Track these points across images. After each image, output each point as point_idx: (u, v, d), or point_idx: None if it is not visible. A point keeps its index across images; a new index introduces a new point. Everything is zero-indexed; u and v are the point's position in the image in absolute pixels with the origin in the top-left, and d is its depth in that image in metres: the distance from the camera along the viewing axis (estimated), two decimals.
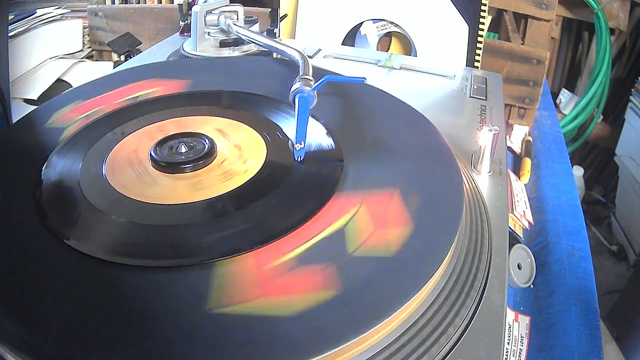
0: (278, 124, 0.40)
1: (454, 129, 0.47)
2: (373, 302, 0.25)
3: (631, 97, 1.13)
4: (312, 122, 0.39)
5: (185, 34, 0.68)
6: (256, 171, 0.35)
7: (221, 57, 0.57)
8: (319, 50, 0.64)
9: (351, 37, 0.72)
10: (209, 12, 0.58)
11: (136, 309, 0.25)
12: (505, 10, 0.90)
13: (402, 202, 0.32)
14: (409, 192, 0.32)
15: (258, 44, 0.56)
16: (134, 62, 0.62)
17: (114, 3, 0.95)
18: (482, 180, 0.41)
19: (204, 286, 0.26)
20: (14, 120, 0.66)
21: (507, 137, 0.73)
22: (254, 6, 0.78)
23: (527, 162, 0.66)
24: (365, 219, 0.30)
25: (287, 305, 0.25)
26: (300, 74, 0.42)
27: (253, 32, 0.57)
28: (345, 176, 0.34)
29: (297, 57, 0.47)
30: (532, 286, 0.48)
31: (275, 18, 0.63)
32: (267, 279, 0.26)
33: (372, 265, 0.27)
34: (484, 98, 0.55)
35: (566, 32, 1.30)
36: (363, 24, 0.70)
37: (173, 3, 0.93)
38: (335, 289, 0.25)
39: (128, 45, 0.68)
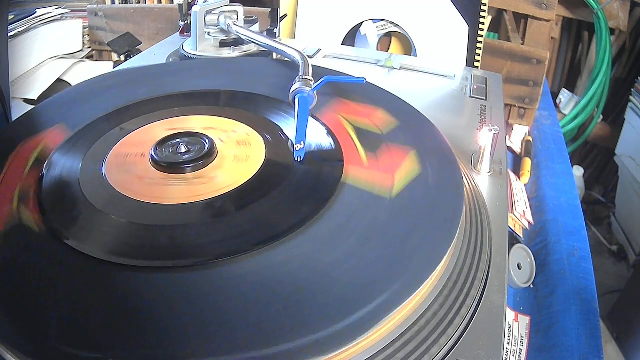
0: (278, 124, 0.40)
1: (454, 129, 0.47)
2: (373, 302, 0.25)
3: (631, 97, 1.13)
4: (312, 122, 0.39)
5: (185, 34, 0.68)
6: (256, 171, 0.35)
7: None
8: (319, 50, 0.64)
9: (351, 37, 0.72)
10: (209, 12, 0.58)
11: (136, 309, 0.25)
12: (505, 10, 0.90)
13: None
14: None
15: (258, 44, 0.56)
16: (134, 62, 0.62)
17: (114, 3, 0.95)
18: (482, 180, 0.41)
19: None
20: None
21: (507, 137, 0.73)
22: (254, 6, 0.78)
23: (527, 162, 0.66)
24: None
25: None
26: (300, 74, 0.42)
27: (253, 32, 0.57)
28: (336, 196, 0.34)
29: (297, 57, 0.47)
30: (532, 286, 0.48)
31: (275, 18, 0.63)
32: None
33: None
34: (484, 98, 0.55)
35: (566, 32, 1.30)
36: (363, 24, 0.70)
37: (173, 3, 0.93)
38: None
39: (128, 45, 0.68)
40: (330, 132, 0.38)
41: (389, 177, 0.34)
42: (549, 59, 0.92)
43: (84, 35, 0.92)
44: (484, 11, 0.64)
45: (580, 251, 0.52)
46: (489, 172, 0.42)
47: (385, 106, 0.42)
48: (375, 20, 0.69)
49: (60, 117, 0.42)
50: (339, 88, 0.44)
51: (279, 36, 0.65)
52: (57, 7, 0.93)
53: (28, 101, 0.76)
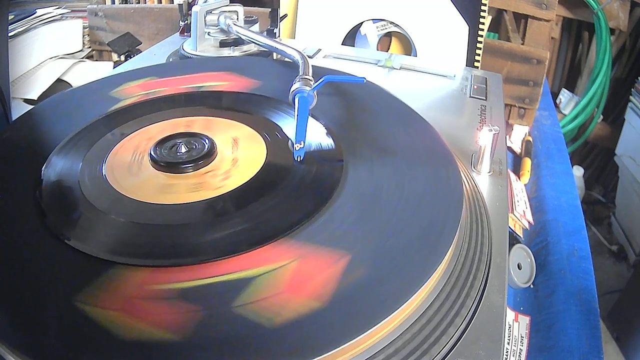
0: (278, 124, 0.40)
1: (454, 129, 0.47)
2: (373, 302, 0.25)
3: (631, 97, 1.13)
4: (311, 122, 0.39)
5: (185, 34, 0.68)
6: (256, 171, 0.35)
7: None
8: (319, 50, 0.64)
9: (351, 37, 0.72)
10: (209, 12, 0.58)
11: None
12: (505, 10, 0.90)
13: (342, 272, 0.27)
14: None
15: (258, 44, 0.56)
16: (134, 62, 0.62)
17: (114, 3, 0.95)
18: (482, 180, 0.41)
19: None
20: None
21: (507, 137, 0.73)
22: (254, 6, 0.78)
23: (527, 162, 0.66)
24: (285, 277, 0.26)
25: (126, 327, 0.24)
26: (300, 73, 0.42)
27: (253, 32, 0.57)
28: (347, 169, 0.34)
29: (297, 57, 0.47)
30: (532, 286, 0.48)
31: (275, 18, 0.63)
32: (135, 297, 0.25)
33: (242, 328, 0.24)
34: (484, 98, 0.55)
35: (566, 32, 1.30)
36: (363, 24, 0.70)
37: (173, 3, 0.93)
38: (180, 336, 0.23)
39: (128, 45, 0.68)
40: (329, 132, 0.38)
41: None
42: (549, 59, 0.92)
43: (84, 35, 0.92)
44: (484, 11, 0.64)
45: (580, 251, 0.52)
46: (489, 172, 0.42)
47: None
48: (375, 20, 0.69)
49: (61, 116, 0.42)
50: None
51: (279, 36, 0.65)
52: (57, 7, 0.93)
53: (28, 101, 0.76)
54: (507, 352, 0.41)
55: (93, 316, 0.24)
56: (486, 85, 0.58)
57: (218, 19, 0.58)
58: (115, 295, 0.25)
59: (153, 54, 0.63)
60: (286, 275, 0.27)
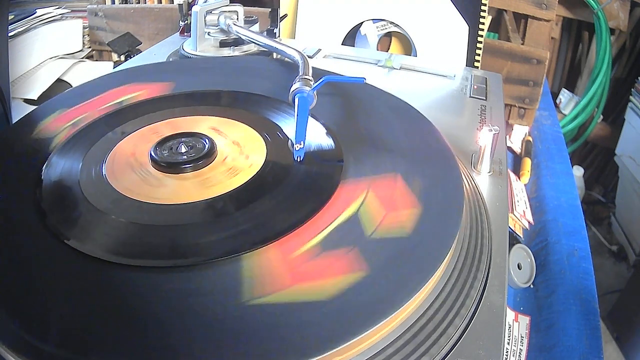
0: (278, 124, 0.40)
1: (454, 129, 0.47)
2: (373, 302, 0.25)
3: (631, 97, 1.13)
4: (311, 122, 0.39)
5: (185, 34, 0.68)
6: (256, 171, 0.35)
7: (210, 57, 0.57)
8: (319, 50, 0.64)
9: (351, 37, 0.72)
10: (209, 12, 0.58)
11: (136, 309, 0.25)
12: (505, 10, 0.90)
13: (406, 185, 0.33)
14: (410, 178, 0.34)
15: (258, 44, 0.56)
16: (134, 62, 0.62)
17: (114, 3, 0.95)
18: (482, 180, 0.41)
19: (234, 280, 0.26)
20: (14, 120, 0.66)
21: (507, 137, 0.73)
22: (254, 6, 0.78)
23: (527, 162, 0.66)
24: (376, 203, 0.31)
25: (320, 290, 0.26)
26: (300, 74, 0.42)
27: (253, 32, 0.57)
28: (347, 169, 0.35)
29: (297, 57, 0.47)
30: (532, 286, 0.48)
31: (275, 18, 0.63)
32: (295, 267, 0.27)
33: (392, 247, 0.28)
34: (484, 98, 0.55)
35: (566, 32, 1.30)
36: (363, 24, 0.70)
37: (173, 3, 0.93)
38: (363, 270, 0.26)
39: (128, 45, 0.68)
40: (329, 132, 0.38)
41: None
42: (549, 59, 0.92)
43: (84, 35, 0.92)
44: (484, 11, 0.64)
45: (580, 251, 0.52)
46: (489, 172, 0.42)
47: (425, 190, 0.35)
48: (375, 20, 0.69)
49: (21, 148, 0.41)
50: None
51: (279, 36, 0.65)
52: (57, 7, 0.93)
53: (28, 101, 0.76)
54: (507, 352, 0.41)
55: (268, 301, 0.25)
56: (486, 85, 0.58)
57: (218, 19, 0.58)
58: (277, 276, 0.26)
59: (153, 54, 0.63)
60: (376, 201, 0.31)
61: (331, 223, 0.30)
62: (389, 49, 0.75)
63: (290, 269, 0.27)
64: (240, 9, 0.60)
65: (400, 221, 0.30)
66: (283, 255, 0.28)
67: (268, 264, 0.27)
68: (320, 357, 0.22)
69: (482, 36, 0.65)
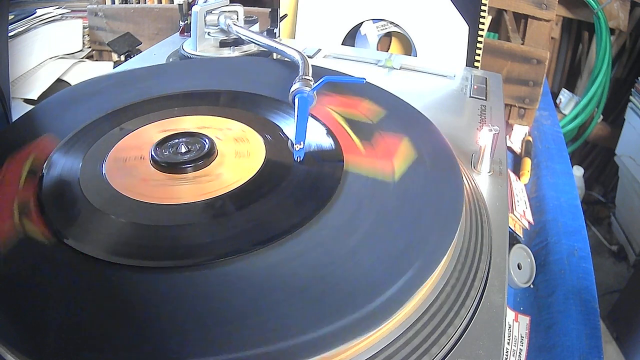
0: (278, 124, 0.40)
1: (454, 129, 0.47)
2: (373, 302, 0.25)
3: (631, 97, 1.13)
4: (311, 122, 0.39)
5: (185, 34, 0.68)
6: (256, 171, 0.35)
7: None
8: (319, 50, 0.64)
9: (351, 37, 0.72)
10: (209, 12, 0.58)
11: (136, 309, 0.25)
12: (505, 10, 0.90)
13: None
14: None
15: (258, 44, 0.56)
16: (134, 62, 0.62)
17: (114, 3, 0.95)
18: (482, 180, 0.41)
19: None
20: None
21: (507, 137, 0.73)
22: (254, 6, 0.78)
23: (527, 162, 0.66)
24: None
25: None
26: (300, 74, 0.42)
27: (253, 32, 0.57)
28: (335, 198, 0.33)
29: (297, 57, 0.47)
30: (532, 286, 0.48)
31: (275, 18, 0.63)
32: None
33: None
34: (484, 98, 0.55)
35: (566, 32, 1.30)
36: (363, 24, 0.70)
37: (173, 3, 0.93)
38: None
39: (128, 45, 0.68)
40: (329, 132, 0.38)
41: (388, 164, 0.35)
42: (549, 59, 0.92)
43: (84, 35, 0.92)
44: (484, 11, 0.64)
45: (580, 251, 0.52)
46: (489, 172, 0.42)
47: (370, 96, 0.43)
48: (375, 20, 0.69)
49: (59, 117, 0.42)
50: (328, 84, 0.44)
51: (279, 36, 0.65)
52: (57, 7, 0.93)
53: (28, 101, 0.76)
54: (507, 352, 0.41)
55: None
56: (486, 85, 0.58)
57: (218, 19, 0.58)
58: None
59: (153, 54, 0.63)
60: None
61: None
62: (389, 49, 0.75)
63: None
64: (240, 9, 0.60)
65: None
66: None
67: None
68: (320, 357, 0.22)
69: (482, 36, 0.65)
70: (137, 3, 0.95)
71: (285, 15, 0.71)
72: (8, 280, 0.27)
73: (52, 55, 0.86)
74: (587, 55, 1.29)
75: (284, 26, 0.72)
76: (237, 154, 0.37)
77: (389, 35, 0.74)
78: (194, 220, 0.30)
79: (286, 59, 0.51)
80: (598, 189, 1.42)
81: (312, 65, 0.45)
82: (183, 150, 0.36)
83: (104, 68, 0.86)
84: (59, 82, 0.81)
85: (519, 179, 0.63)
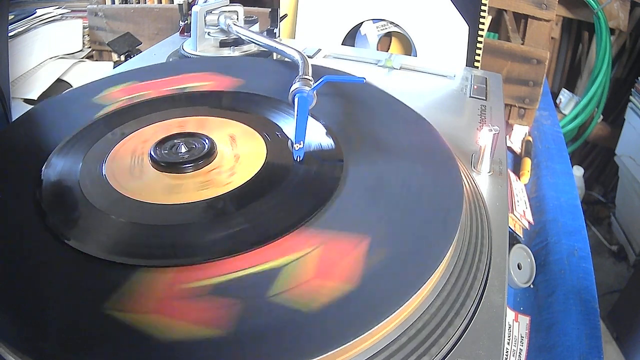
0: (278, 124, 0.40)
1: (454, 129, 0.47)
2: (373, 301, 0.25)
3: (631, 97, 1.13)
4: (311, 122, 0.39)
5: (185, 34, 0.68)
6: (256, 171, 0.35)
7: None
8: (319, 50, 0.64)
9: (351, 37, 0.72)
10: (209, 12, 0.58)
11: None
12: (505, 10, 0.90)
13: (365, 254, 0.28)
14: (381, 242, 0.29)
15: (258, 44, 0.56)
16: (134, 62, 0.62)
17: (114, 3, 0.95)
18: (482, 180, 0.41)
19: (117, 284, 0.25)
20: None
21: (507, 137, 0.73)
22: (254, 6, 0.78)
23: (527, 162, 0.66)
24: (311, 264, 0.27)
25: (165, 329, 0.23)
26: (300, 74, 0.42)
27: (253, 32, 0.57)
28: (334, 198, 0.32)
29: (297, 57, 0.47)
30: (532, 286, 0.48)
31: (275, 18, 0.63)
32: (167, 298, 0.25)
33: (282, 315, 0.24)
34: (484, 98, 0.55)
35: (566, 32, 1.30)
36: (363, 24, 0.70)
37: (173, 3, 0.93)
38: (225, 330, 0.23)
39: (128, 45, 0.68)
40: (329, 133, 0.38)
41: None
42: (549, 59, 0.92)
43: (84, 35, 0.92)
44: (484, 11, 0.64)
45: (580, 251, 0.52)
46: (489, 172, 0.42)
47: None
48: (375, 20, 0.69)
49: (61, 116, 0.42)
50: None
51: (279, 36, 0.65)
52: (57, 7, 0.93)
53: (28, 101, 0.76)
54: (507, 352, 0.41)
55: (126, 320, 0.24)
56: (486, 85, 0.58)
57: (218, 19, 0.58)
58: (146, 298, 0.25)
59: (153, 54, 0.63)
60: (312, 262, 0.27)
61: (247, 268, 0.27)
62: (389, 49, 0.75)
63: (164, 296, 0.25)
64: (240, 9, 0.60)
65: (318, 292, 0.26)
66: (172, 282, 0.26)
67: (154, 282, 0.26)
68: (321, 357, 0.22)
69: (482, 36, 0.65)
70: (137, 3, 0.95)
71: (285, 15, 0.71)
72: (8, 280, 0.27)
73: (52, 55, 0.86)
74: (587, 55, 1.29)
75: (284, 26, 0.72)
76: (237, 154, 0.37)
77: (389, 35, 0.74)
78: (194, 220, 0.30)
79: (286, 59, 0.51)
80: (598, 189, 1.42)
81: (312, 65, 0.45)
82: (183, 150, 0.36)
83: (104, 68, 0.86)
84: (59, 82, 0.81)
85: (519, 179, 0.63)
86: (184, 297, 0.25)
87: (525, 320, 0.44)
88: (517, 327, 0.43)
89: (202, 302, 0.25)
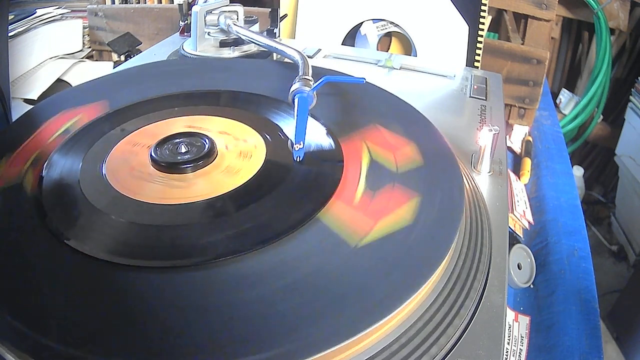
0: (278, 124, 0.40)
1: (454, 129, 0.47)
2: (373, 302, 0.25)
3: (631, 97, 1.13)
4: (311, 122, 0.39)
5: (185, 34, 0.68)
6: (256, 171, 0.35)
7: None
8: (319, 50, 0.64)
9: (351, 37, 0.72)
10: (209, 12, 0.58)
11: (136, 309, 0.25)
12: (505, 10, 0.90)
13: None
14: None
15: (258, 44, 0.56)
16: (134, 62, 0.62)
17: (114, 3, 0.95)
18: (482, 180, 0.41)
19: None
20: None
21: (507, 137, 0.73)
22: (254, 6, 0.78)
23: (527, 162, 0.66)
24: (380, 149, 0.36)
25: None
26: (300, 74, 0.42)
27: (253, 32, 0.57)
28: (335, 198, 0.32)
29: (297, 57, 0.47)
30: (532, 286, 0.48)
31: (275, 18, 0.63)
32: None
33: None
34: (484, 98, 0.55)
35: (566, 32, 1.30)
36: (363, 24, 0.70)
37: (173, 3, 0.93)
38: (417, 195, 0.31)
39: (128, 45, 0.68)
40: (329, 132, 0.38)
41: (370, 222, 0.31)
42: (549, 59, 0.92)
43: (84, 35, 0.92)
44: (484, 11, 0.64)
45: (580, 251, 0.52)
46: (489, 172, 0.42)
47: (419, 141, 0.38)
48: (375, 20, 0.69)
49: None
50: (378, 102, 0.44)
51: (279, 36, 0.65)
52: (57, 7, 0.93)
53: (28, 101, 0.76)
54: (507, 352, 0.41)
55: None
56: (486, 85, 0.58)
57: (218, 19, 0.58)
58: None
59: (153, 54, 0.63)
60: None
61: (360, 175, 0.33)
62: (389, 49, 0.75)
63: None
64: (240, 9, 0.60)
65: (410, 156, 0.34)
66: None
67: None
68: (320, 356, 0.22)
69: (482, 36, 0.65)
70: (137, 3, 0.95)
71: (285, 15, 0.71)
72: (8, 280, 0.27)
73: (52, 55, 0.86)
74: (587, 55, 1.29)
75: (284, 26, 0.72)
76: (237, 154, 0.37)
77: (389, 35, 0.74)
78: (193, 220, 0.30)
79: (286, 59, 0.51)
80: (598, 189, 1.42)
81: (312, 65, 0.45)
82: (183, 150, 0.36)
83: (104, 68, 0.86)
84: (59, 82, 0.81)
85: (519, 179, 0.63)
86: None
87: (525, 320, 0.44)
88: (517, 327, 0.43)
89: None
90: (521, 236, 0.52)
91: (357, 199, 0.32)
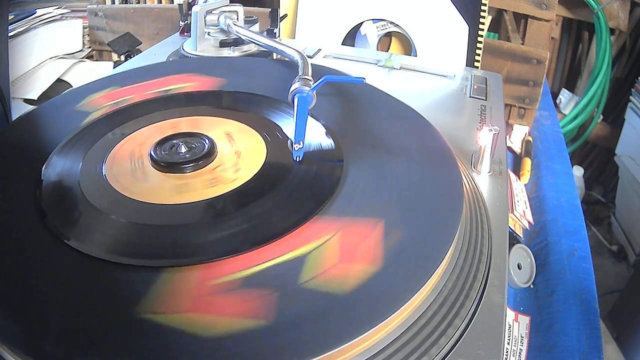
0: (278, 124, 0.40)
1: (454, 129, 0.47)
2: (373, 302, 0.25)
3: (631, 97, 1.13)
4: (311, 122, 0.39)
5: (185, 34, 0.68)
6: (256, 171, 0.35)
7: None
8: (319, 50, 0.64)
9: (351, 37, 0.72)
10: (209, 12, 0.58)
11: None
12: (505, 10, 0.90)
13: (382, 236, 0.29)
14: (395, 224, 0.30)
15: (258, 44, 0.56)
16: (134, 62, 0.62)
17: (114, 3, 0.95)
18: (482, 180, 0.41)
19: (144, 288, 0.26)
20: None
21: (507, 137, 0.73)
22: (254, 6, 0.78)
23: (527, 162, 0.66)
24: (334, 249, 0.28)
25: (208, 326, 0.24)
26: (300, 74, 0.42)
27: (253, 32, 0.57)
28: (335, 198, 0.32)
29: (297, 57, 0.47)
30: (532, 286, 0.48)
31: (275, 18, 0.63)
32: (202, 295, 0.25)
33: (318, 301, 0.25)
34: (484, 98, 0.55)
35: (566, 32, 1.30)
36: (363, 24, 0.70)
37: (173, 3, 0.93)
38: (266, 319, 0.24)
39: (128, 45, 0.68)
40: (328, 132, 0.38)
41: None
42: (549, 59, 0.92)
43: (84, 35, 0.92)
44: (484, 11, 0.64)
45: (580, 251, 0.52)
46: (489, 172, 0.42)
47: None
48: (375, 20, 0.69)
49: (62, 117, 0.42)
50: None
51: (279, 36, 0.65)
52: (57, 7, 0.93)
53: (28, 101, 0.76)
54: (507, 352, 0.41)
55: (163, 322, 0.24)
56: (486, 85, 0.58)
57: (218, 19, 0.58)
58: (179, 298, 0.25)
59: (153, 54, 0.63)
60: (335, 247, 0.28)
61: (272, 259, 0.27)
62: (389, 49, 0.75)
63: (197, 294, 0.26)
64: (240, 9, 0.60)
65: (347, 275, 0.26)
66: (202, 279, 0.26)
67: (183, 282, 0.26)
68: (320, 357, 0.22)
69: (482, 36, 0.65)
70: (137, 3, 0.95)
71: (285, 15, 0.71)
72: (8, 280, 0.27)
73: (52, 55, 0.86)
74: (587, 55, 1.29)
75: (284, 26, 0.72)
76: (237, 154, 0.37)
77: (389, 35, 0.74)
78: (193, 220, 0.30)
79: (286, 59, 0.51)
80: (598, 189, 1.42)
81: (312, 65, 0.45)
82: (183, 150, 0.36)
83: (104, 68, 0.86)
84: (59, 82, 0.81)
85: (519, 179, 0.63)
86: (215, 293, 0.26)
87: (525, 320, 0.44)
88: (517, 327, 0.43)
89: (235, 295, 0.25)
90: (521, 236, 0.52)
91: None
